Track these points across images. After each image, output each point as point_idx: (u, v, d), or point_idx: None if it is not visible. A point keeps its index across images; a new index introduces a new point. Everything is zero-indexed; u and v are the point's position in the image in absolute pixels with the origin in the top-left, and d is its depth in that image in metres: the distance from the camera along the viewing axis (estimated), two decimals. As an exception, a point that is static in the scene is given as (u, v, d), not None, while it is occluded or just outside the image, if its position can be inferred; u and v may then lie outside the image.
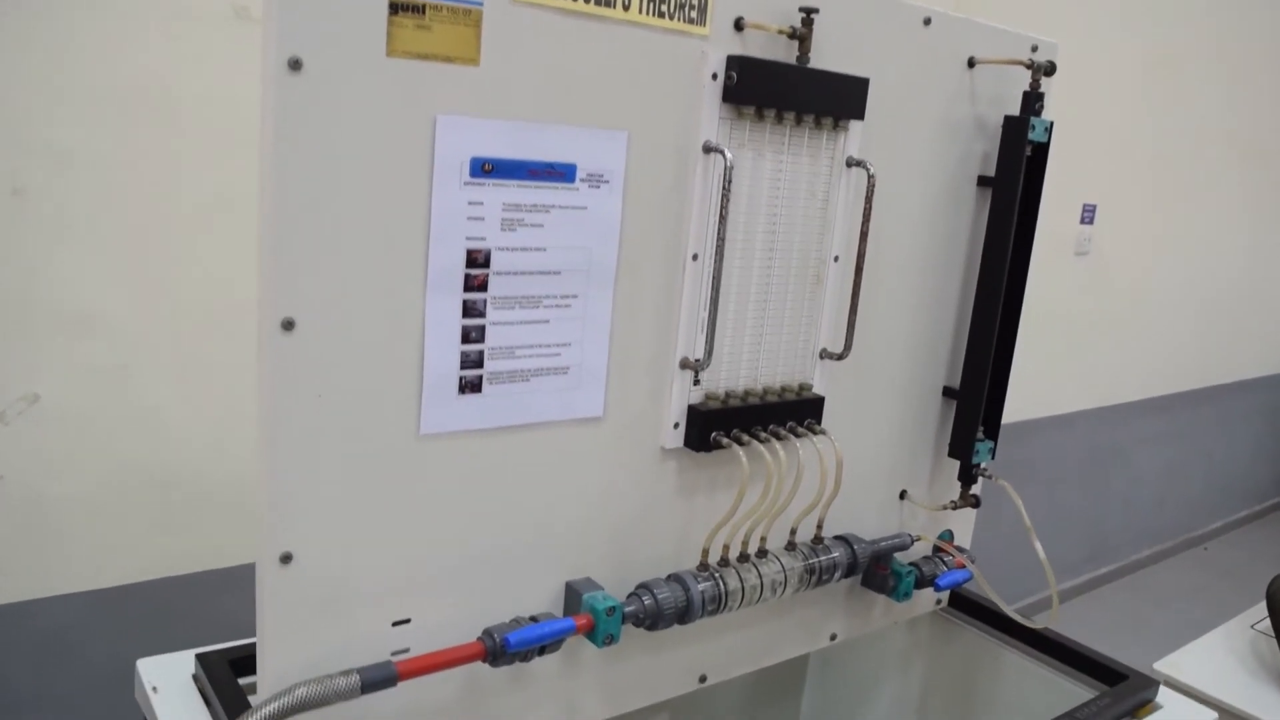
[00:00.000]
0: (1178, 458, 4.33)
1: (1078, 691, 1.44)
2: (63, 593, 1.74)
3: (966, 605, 1.59)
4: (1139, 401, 3.96)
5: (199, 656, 1.21)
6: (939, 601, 1.58)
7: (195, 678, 1.21)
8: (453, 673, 1.05)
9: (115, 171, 1.61)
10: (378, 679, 0.94)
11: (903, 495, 1.46)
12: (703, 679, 1.29)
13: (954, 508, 1.47)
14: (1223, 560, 4.48)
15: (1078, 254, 3.41)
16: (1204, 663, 1.82)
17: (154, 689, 1.19)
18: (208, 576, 1.84)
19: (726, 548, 1.19)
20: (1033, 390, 3.20)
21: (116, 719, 1.74)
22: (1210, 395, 4.39)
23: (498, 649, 1.01)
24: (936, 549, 1.47)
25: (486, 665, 1.05)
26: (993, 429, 1.45)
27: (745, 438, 1.17)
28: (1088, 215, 3.39)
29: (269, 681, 0.93)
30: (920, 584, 1.42)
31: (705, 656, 1.29)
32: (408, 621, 1.01)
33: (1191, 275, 4.01)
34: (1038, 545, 1.39)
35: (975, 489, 1.48)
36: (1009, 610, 1.46)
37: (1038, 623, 1.48)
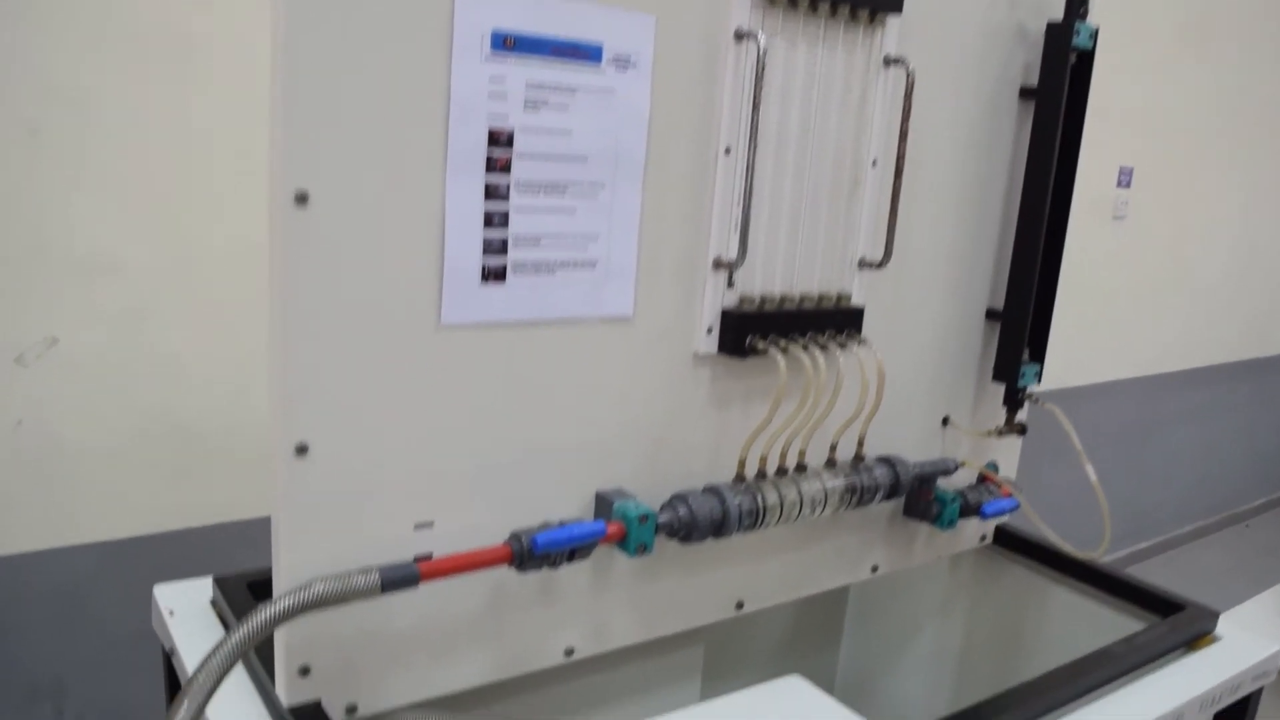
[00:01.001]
0: (1218, 432, 4.22)
1: (1132, 626, 1.37)
2: (79, 543, 1.70)
3: (1011, 541, 1.53)
4: (1177, 373, 3.86)
5: (217, 580, 1.17)
6: (983, 538, 1.52)
7: (213, 603, 1.17)
8: (478, 584, 1.01)
9: (134, 113, 1.58)
10: (399, 578, 0.89)
11: (945, 422, 1.39)
12: (740, 605, 1.24)
13: (999, 435, 1.41)
14: (1265, 538, 4.37)
15: (1115, 218, 3.32)
16: (1259, 617, 1.75)
17: (170, 612, 1.15)
18: (227, 529, 1.80)
19: (764, 460, 1.13)
20: (1068, 357, 3.12)
21: (133, 673, 1.71)
22: (1251, 369, 4.28)
23: (525, 552, 0.96)
24: (982, 478, 1.41)
25: (513, 574, 1.00)
26: (1039, 351, 1.39)
27: (782, 343, 1.11)
28: (1124, 178, 3.31)
29: (285, 579, 0.89)
30: (965, 512, 1.36)
31: (742, 582, 1.23)
32: (431, 525, 0.97)
33: (1231, 243, 3.91)
34: (1089, 468, 1.33)
35: (1021, 416, 1.42)
36: (1058, 540, 1.40)
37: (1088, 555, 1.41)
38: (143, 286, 1.64)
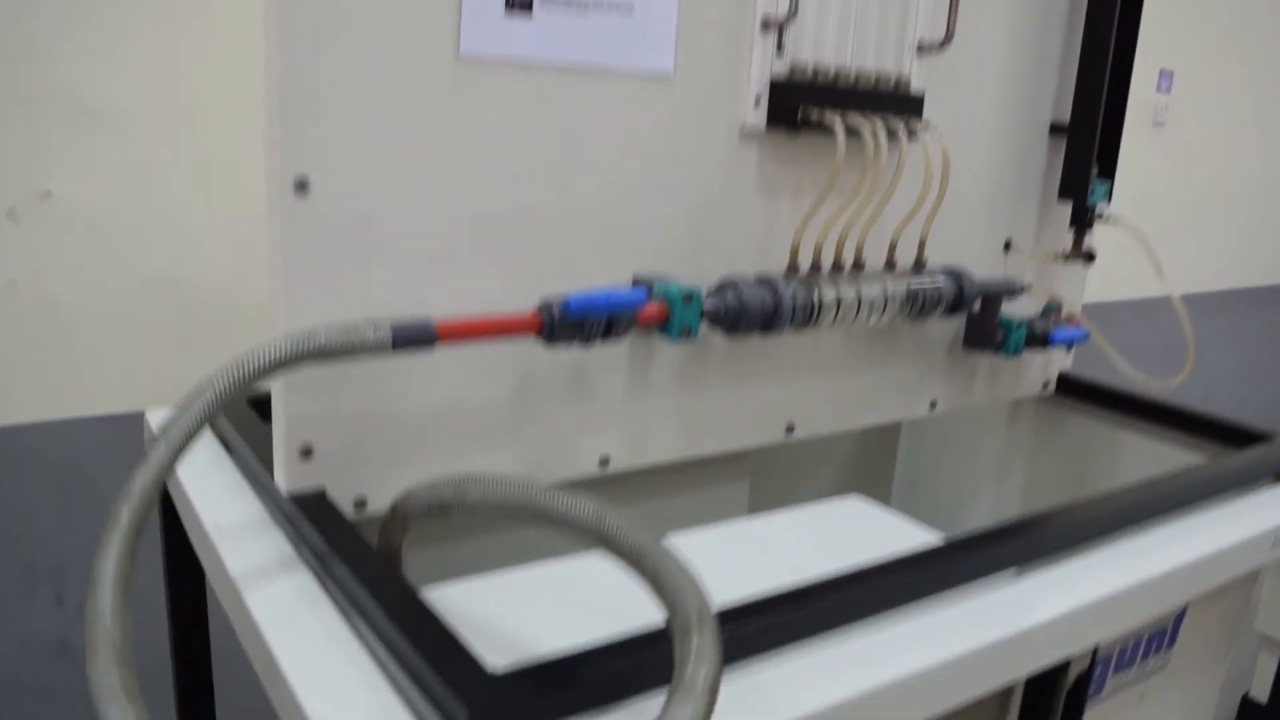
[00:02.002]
0: (1260, 356, 4.08)
1: (1214, 465, 1.26)
2: (80, 415, 1.61)
3: (1075, 389, 1.41)
4: (1217, 293, 3.72)
5: (216, 397, 1.06)
6: (1045, 384, 1.41)
7: (211, 424, 1.07)
8: (504, 370, 0.90)
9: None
10: (413, 336, 0.78)
11: (1007, 246, 1.28)
12: (790, 429, 1.13)
13: (1064, 260, 1.29)
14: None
15: (1155, 124, 3.18)
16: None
17: (165, 429, 1.05)
18: (236, 405, 1.70)
19: (818, 252, 1.02)
20: (1103, 272, 2.99)
21: (140, 560, 1.61)
22: (1292, 294, 4.14)
23: (555, 320, 0.85)
24: (1047, 311, 1.30)
25: (543, 362, 0.90)
26: (1109, 167, 1.27)
27: (841, 114, 0.99)
28: (1164, 83, 3.16)
29: (284, 330, 0.78)
30: (1031, 341, 1.24)
31: (793, 403, 1.12)
32: (449, 292, 0.86)
33: (1273, 157, 3.76)
34: (1163, 276, 1.21)
35: (1088, 242, 1.30)
36: (1130, 370, 1.28)
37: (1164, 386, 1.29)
38: (140, 138, 1.54)
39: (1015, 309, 1.24)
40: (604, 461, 0.99)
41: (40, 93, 1.46)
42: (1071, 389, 1.41)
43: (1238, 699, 2.52)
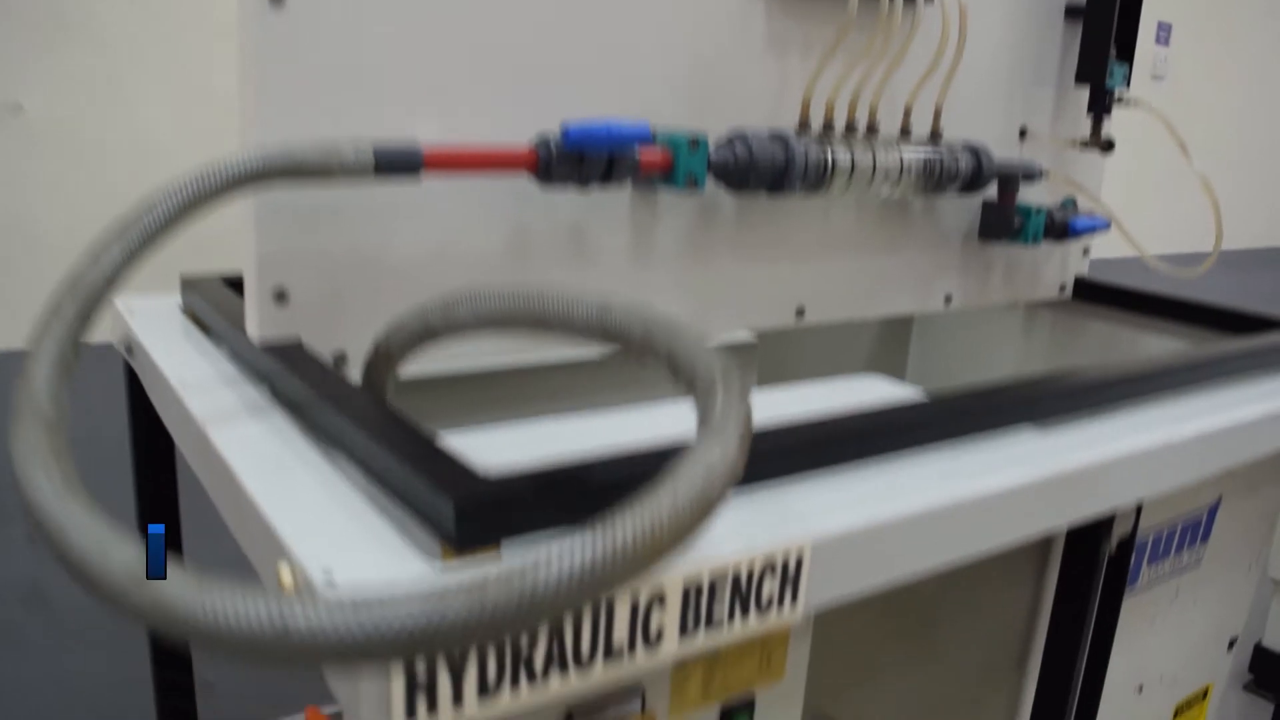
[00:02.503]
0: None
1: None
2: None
3: (1093, 293, 1.35)
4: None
5: (186, 279, 1.00)
6: (1062, 288, 1.34)
7: (184, 309, 1.00)
8: (496, 220, 0.83)
9: None
10: (397, 159, 0.71)
11: (1023, 134, 1.22)
12: (800, 312, 1.06)
13: (1082, 147, 1.23)
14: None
15: (1154, 77, 3.13)
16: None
17: (131, 313, 0.98)
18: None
19: (830, 110, 0.96)
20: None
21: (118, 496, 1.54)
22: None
23: (554, 153, 0.78)
24: (1064, 205, 1.24)
25: (538, 214, 0.84)
26: (1127, 50, 1.21)
27: (849, -38, 0.93)
28: (1163, 35, 3.11)
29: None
30: (1050, 231, 1.18)
31: (803, 285, 1.05)
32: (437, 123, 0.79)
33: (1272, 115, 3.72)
34: (1188, 154, 1.15)
35: (1106, 129, 1.24)
36: (1154, 261, 1.22)
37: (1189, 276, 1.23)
38: (113, 52, 1.47)
39: (1033, 198, 1.18)
40: (605, 332, 0.92)
41: (12, 4, 1.39)
42: (1089, 293, 1.35)
43: (1251, 648, 2.47)
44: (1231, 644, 1.24)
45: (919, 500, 0.63)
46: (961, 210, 1.17)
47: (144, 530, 1.09)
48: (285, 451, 0.63)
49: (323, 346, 0.78)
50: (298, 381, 0.68)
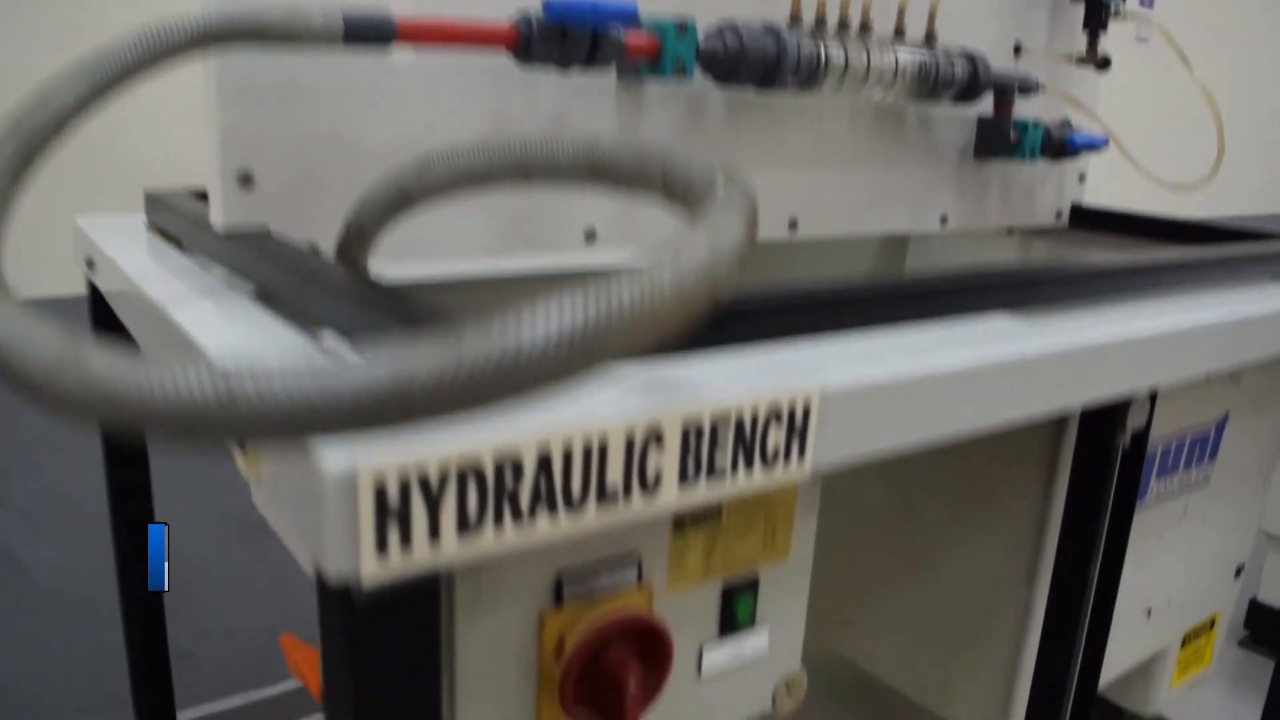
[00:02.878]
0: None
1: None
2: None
3: (1092, 220, 1.32)
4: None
5: (151, 194, 0.95)
6: (1059, 214, 1.31)
7: (149, 225, 0.95)
8: (476, 109, 0.79)
9: None
10: (368, 29, 0.67)
11: (1017, 50, 1.18)
12: (793, 224, 1.02)
13: (1078, 63, 1.19)
14: None
15: (1138, 39, 3.11)
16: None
17: (93, 226, 0.93)
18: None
19: (822, 6, 0.92)
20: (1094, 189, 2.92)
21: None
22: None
23: (534, 29, 0.74)
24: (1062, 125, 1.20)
25: (518, 99, 0.79)
26: (1124, -38, 1.18)
27: None
28: (1145, -5, 3.09)
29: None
30: (1048, 148, 1.15)
31: (796, 196, 1.01)
32: None
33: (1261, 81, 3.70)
34: (1188, 64, 1.12)
35: (1103, 46, 1.21)
36: (1156, 175, 1.19)
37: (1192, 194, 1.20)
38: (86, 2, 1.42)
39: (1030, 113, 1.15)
40: (590, 236, 0.88)
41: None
42: (1086, 220, 1.32)
43: (1245, 603, 2.44)
44: (1238, 572, 1.21)
45: (932, 361, 0.59)
46: (957, 126, 1.14)
47: (117, 506, 1.05)
48: (253, 324, 0.59)
49: (293, 234, 0.73)
50: (268, 262, 0.64)
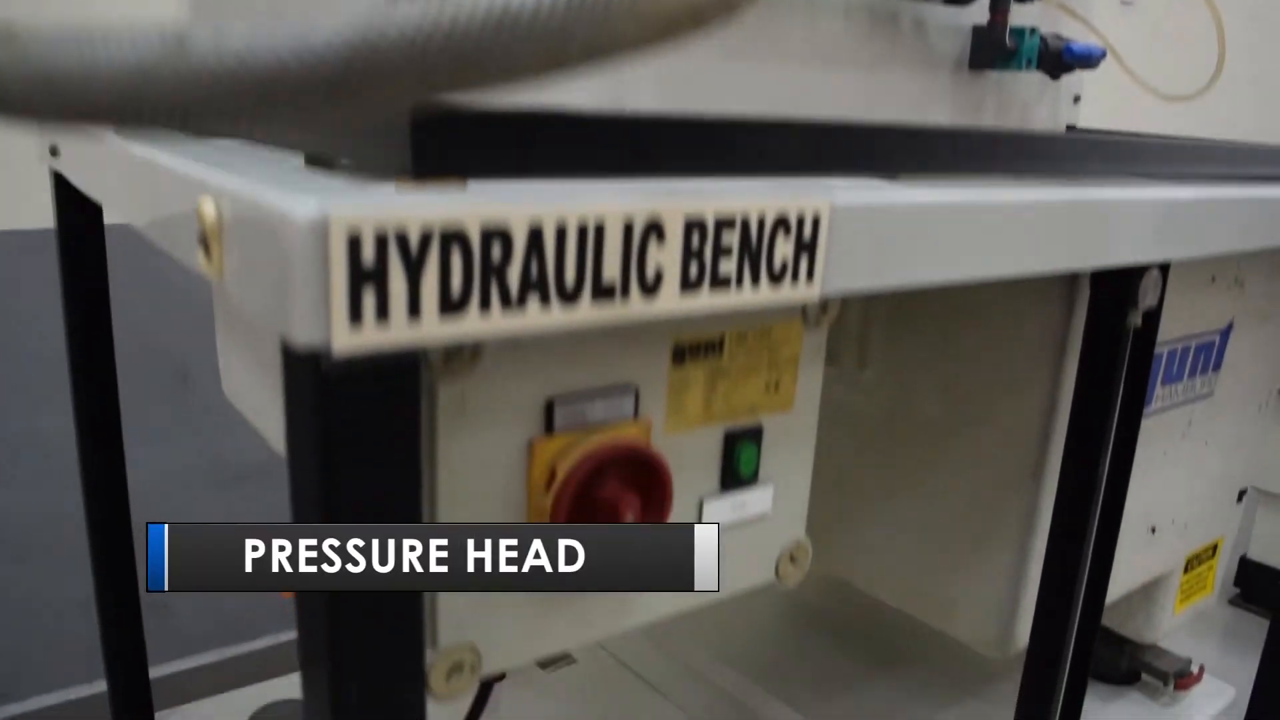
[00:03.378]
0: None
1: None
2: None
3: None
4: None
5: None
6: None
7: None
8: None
9: None
10: None
11: (1013, -40, 1.15)
12: (785, 126, 0.99)
13: (1077, -25, 1.16)
14: None
15: (1123, 3, 3.10)
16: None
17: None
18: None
19: (815, -115, 0.88)
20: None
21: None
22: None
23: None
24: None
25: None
26: None
27: None
28: (1127, -41, 3.08)
29: None
30: (1044, 59, 1.11)
31: (789, 97, 0.98)
32: None
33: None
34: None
35: (1101, -42, 1.18)
36: (1145, 81, 1.16)
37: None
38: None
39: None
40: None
41: None
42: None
43: (1236, 560, 2.43)
44: (1241, 496, 1.19)
45: (946, 195, 0.55)
46: (952, 35, 1.10)
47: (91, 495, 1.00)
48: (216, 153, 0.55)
49: None
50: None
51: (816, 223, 0.48)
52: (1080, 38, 1.15)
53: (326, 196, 0.34)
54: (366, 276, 0.35)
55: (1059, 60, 1.11)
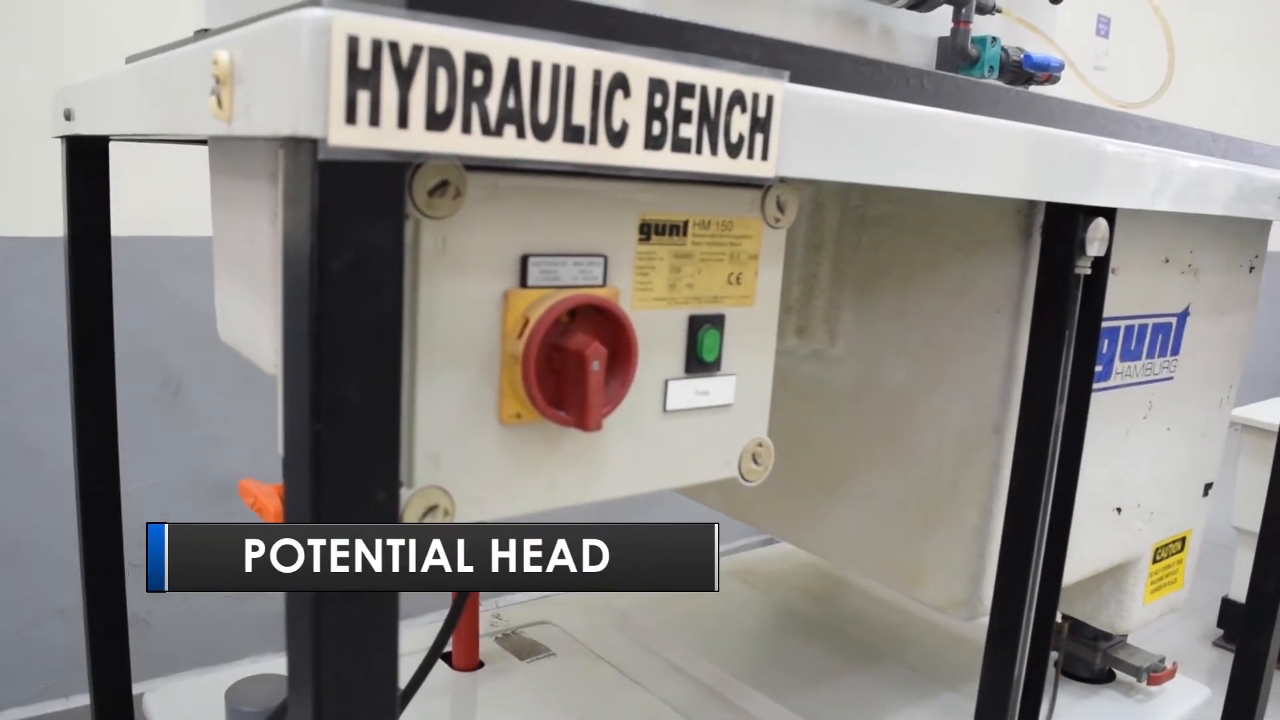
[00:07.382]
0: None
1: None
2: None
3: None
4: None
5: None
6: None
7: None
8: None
9: None
10: None
11: (976, -20, 1.23)
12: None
13: (1036, -6, 1.24)
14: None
15: (1095, 69, 3.23)
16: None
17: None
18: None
19: (786, -113, 0.96)
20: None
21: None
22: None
23: None
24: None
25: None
26: (1075, -101, 1.23)
27: None
28: (1103, 28, 3.22)
29: None
30: (1004, 71, 1.18)
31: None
32: None
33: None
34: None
35: (1058, -19, 1.26)
36: (1095, 87, 1.23)
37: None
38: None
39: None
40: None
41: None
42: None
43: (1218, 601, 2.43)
44: (1207, 490, 1.22)
45: (896, 107, 0.60)
46: (919, 45, 1.17)
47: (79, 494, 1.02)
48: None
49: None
50: None
51: (770, 102, 0.52)
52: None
53: (330, 9, 0.39)
54: (362, 77, 0.40)
55: (1019, 69, 1.18)
